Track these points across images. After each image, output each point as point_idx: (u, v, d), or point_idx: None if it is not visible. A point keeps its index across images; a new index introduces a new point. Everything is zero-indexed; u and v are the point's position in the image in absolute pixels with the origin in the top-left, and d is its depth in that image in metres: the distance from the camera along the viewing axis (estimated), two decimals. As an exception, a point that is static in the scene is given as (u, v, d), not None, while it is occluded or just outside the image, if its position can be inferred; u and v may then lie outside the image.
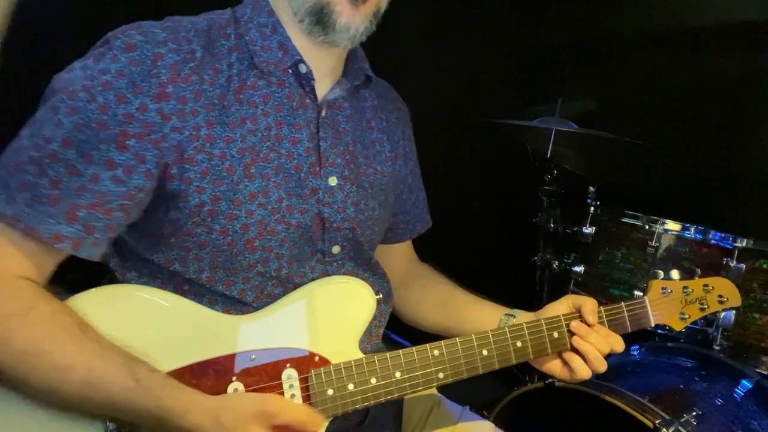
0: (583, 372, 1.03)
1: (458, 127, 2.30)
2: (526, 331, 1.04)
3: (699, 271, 1.30)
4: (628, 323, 1.13)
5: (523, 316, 1.12)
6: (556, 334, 1.06)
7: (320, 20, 0.89)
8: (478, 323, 1.14)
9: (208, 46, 0.89)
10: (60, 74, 0.84)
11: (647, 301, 1.17)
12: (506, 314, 1.14)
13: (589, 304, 1.06)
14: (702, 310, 1.24)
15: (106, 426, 0.84)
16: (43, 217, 0.79)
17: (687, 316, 1.21)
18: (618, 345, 1.05)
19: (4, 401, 0.82)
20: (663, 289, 1.20)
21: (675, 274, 1.23)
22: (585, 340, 1.03)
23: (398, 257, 1.26)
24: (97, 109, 0.81)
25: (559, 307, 1.09)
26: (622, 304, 1.14)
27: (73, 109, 0.80)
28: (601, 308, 1.10)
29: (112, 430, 0.84)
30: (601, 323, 1.08)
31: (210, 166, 0.87)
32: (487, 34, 2.46)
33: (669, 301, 1.20)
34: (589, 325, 1.05)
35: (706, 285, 1.25)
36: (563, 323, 1.06)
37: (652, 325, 1.17)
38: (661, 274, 1.23)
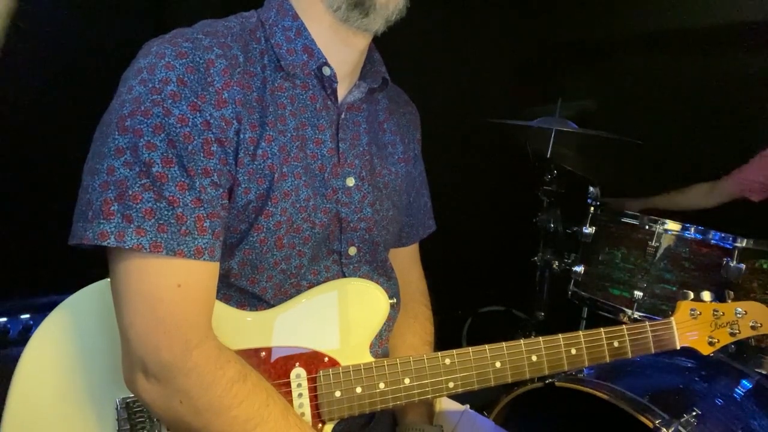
0: None
1: (459, 128, 2.30)
2: (542, 346, 1.01)
3: (732, 293, 1.24)
4: (652, 345, 1.10)
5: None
6: (573, 351, 1.03)
7: (359, 2, 0.90)
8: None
9: (245, 50, 0.91)
10: (119, 97, 0.84)
11: (674, 322, 1.14)
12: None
13: None
14: (733, 335, 1.18)
15: (117, 414, 0.86)
16: (180, 237, 0.80)
17: (716, 341, 1.16)
18: None
19: (19, 397, 0.84)
20: (692, 310, 1.15)
21: (706, 295, 1.18)
22: None
23: (400, 264, 1.25)
24: (177, 122, 0.81)
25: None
26: (647, 324, 1.10)
27: (156, 127, 0.80)
28: (624, 326, 1.07)
29: (124, 418, 0.86)
30: (623, 344, 1.07)
31: (254, 166, 0.88)
32: (488, 35, 2.46)
33: (697, 324, 1.15)
34: None
35: (739, 309, 1.20)
36: (582, 339, 1.05)
37: (678, 347, 1.13)
38: (691, 294, 1.18)
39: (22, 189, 1.56)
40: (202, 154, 0.82)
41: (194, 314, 0.83)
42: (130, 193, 0.79)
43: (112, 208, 0.78)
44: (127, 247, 0.78)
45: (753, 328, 1.20)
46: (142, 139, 0.80)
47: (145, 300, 0.80)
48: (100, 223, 0.78)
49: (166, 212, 0.80)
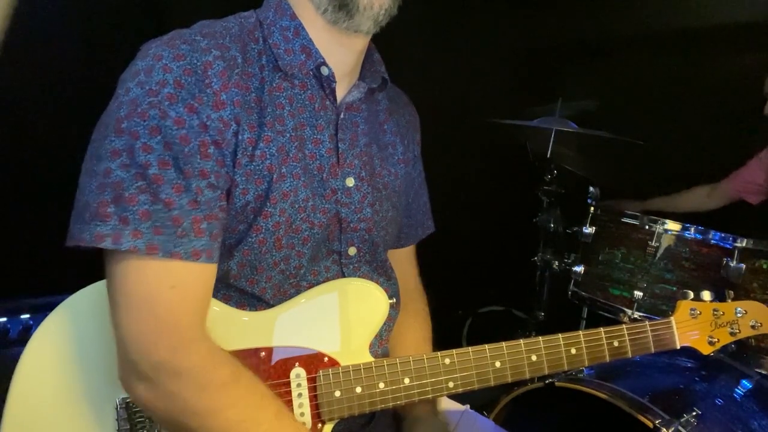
0: None
1: (459, 127, 2.30)
2: (542, 345, 1.01)
3: (732, 293, 1.24)
4: (652, 344, 1.10)
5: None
6: (573, 351, 1.03)
7: (343, 4, 0.89)
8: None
9: (243, 50, 0.90)
10: (117, 99, 0.84)
11: (674, 322, 1.14)
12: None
13: None
14: (733, 334, 1.18)
15: (117, 414, 0.86)
16: (176, 239, 0.80)
17: (716, 340, 1.17)
18: None
19: (19, 397, 0.84)
20: (692, 310, 1.16)
21: (706, 295, 1.18)
22: None
23: (398, 264, 1.26)
24: (174, 124, 0.81)
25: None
26: (647, 323, 1.10)
27: (153, 130, 0.81)
28: (624, 326, 1.08)
29: (123, 418, 0.86)
30: (623, 344, 1.07)
31: (252, 167, 0.88)
32: (488, 35, 2.46)
33: (697, 324, 1.16)
34: None
35: (739, 309, 1.20)
36: (582, 339, 1.05)
37: (678, 347, 1.13)
38: (691, 294, 1.19)
39: (22, 189, 1.56)
40: (198, 157, 0.82)
41: (189, 316, 0.83)
42: (126, 195, 0.79)
43: (109, 209, 0.78)
44: (123, 249, 0.78)
45: (753, 327, 1.20)
46: (138, 141, 0.80)
47: (141, 301, 0.80)
48: (97, 225, 0.78)
49: (162, 214, 0.80)
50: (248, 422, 0.82)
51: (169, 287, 0.81)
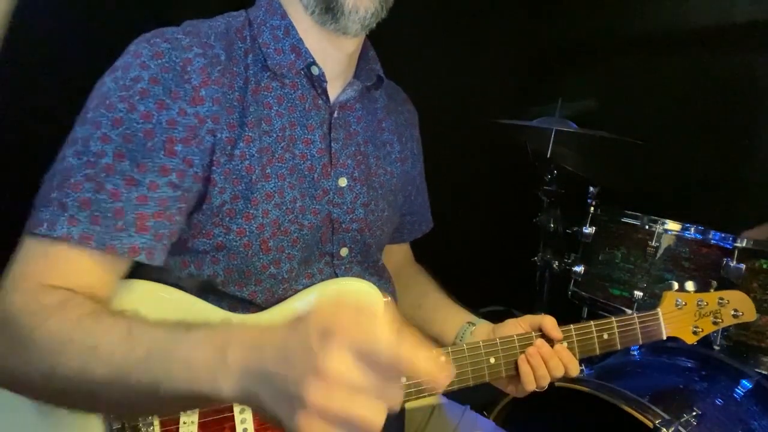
0: (530, 387, 1.01)
1: (458, 127, 2.30)
2: (534, 340, 1.03)
3: (715, 283, 1.27)
4: (639, 336, 1.12)
5: (482, 327, 1.12)
6: (565, 344, 1.05)
7: (329, 7, 0.89)
8: (440, 327, 1.15)
9: (228, 49, 0.90)
10: (91, 93, 0.83)
11: (660, 313, 1.16)
12: (468, 322, 1.13)
13: (548, 322, 1.04)
14: (715, 324, 1.22)
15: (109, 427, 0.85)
16: (114, 231, 0.77)
17: (700, 330, 1.20)
18: (573, 371, 1.02)
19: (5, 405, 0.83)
20: (677, 301, 1.18)
21: (690, 285, 1.21)
22: (547, 363, 0.99)
23: (396, 257, 1.26)
24: (141, 118, 0.80)
25: (516, 327, 1.06)
26: (635, 315, 1.12)
27: (116, 121, 0.79)
28: (613, 319, 1.09)
29: (117, 429, 0.84)
30: (612, 336, 1.08)
31: (231, 166, 0.87)
32: (488, 35, 2.46)
33: (682, 314, 1.18)
34: (554, 340, 1.03)
35: (721, 298, 1.23)
36: (573, 332, 1.06)
37: (664, 338, 1.15)
38: (676, 285, 1.21)
39: (22, 189, 1.56)
40: (162, 153, 0.81)
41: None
42: (72, 181, 0.77)
43: (52, 195, 0.77)
44: (55, 236, 0.75)
45: (735, 316, 1.24)
46: (98, 131, 0.78)
47: (37, 272, 0.74)
48: (39, 211, 0.77)
49: (104, 204, 0.77)
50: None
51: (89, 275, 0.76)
